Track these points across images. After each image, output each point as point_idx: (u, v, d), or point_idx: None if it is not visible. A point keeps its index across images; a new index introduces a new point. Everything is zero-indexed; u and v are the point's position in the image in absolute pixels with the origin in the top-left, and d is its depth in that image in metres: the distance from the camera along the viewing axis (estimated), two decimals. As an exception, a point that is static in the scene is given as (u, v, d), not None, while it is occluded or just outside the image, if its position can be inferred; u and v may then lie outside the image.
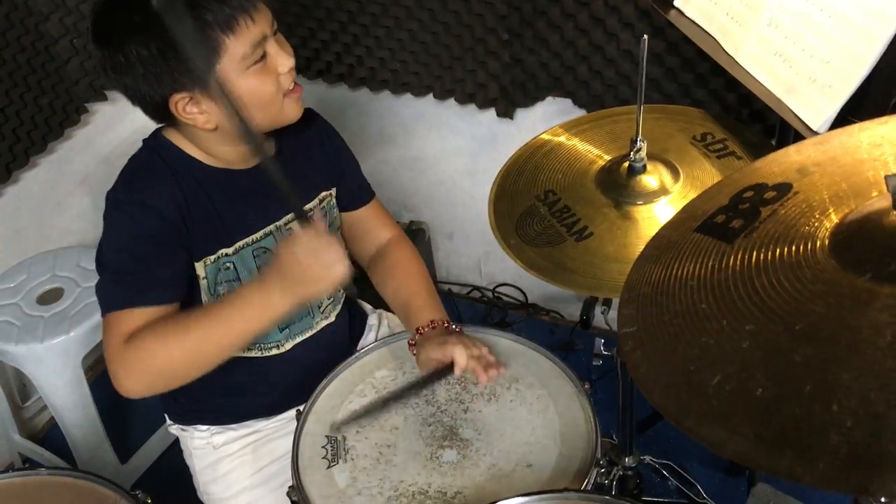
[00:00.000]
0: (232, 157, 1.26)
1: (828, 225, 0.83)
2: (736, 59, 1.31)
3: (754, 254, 0.83)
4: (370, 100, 2.24)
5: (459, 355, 1.20)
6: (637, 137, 1.26)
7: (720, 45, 1.35)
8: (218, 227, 1.24)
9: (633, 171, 1.29)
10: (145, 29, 1.08)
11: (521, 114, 2.04)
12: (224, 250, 1.25)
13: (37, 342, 1.80)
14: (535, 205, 1.33)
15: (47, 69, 1.98)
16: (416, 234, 2.40)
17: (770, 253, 0.82)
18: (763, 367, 0.72)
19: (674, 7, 1.46)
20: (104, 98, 2.16)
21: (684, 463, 1.85)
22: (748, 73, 1.28)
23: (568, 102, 1.94)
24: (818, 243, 0.81)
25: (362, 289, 1.49)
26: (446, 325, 1.30)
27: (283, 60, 1.16)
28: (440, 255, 2.56)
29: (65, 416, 1.93)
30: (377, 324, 1.57)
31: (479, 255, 2.50)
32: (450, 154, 2.29)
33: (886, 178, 0.74)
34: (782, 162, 0.97)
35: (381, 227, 1.48)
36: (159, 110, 1.17)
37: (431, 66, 2.04)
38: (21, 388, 2.21)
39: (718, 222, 0.92)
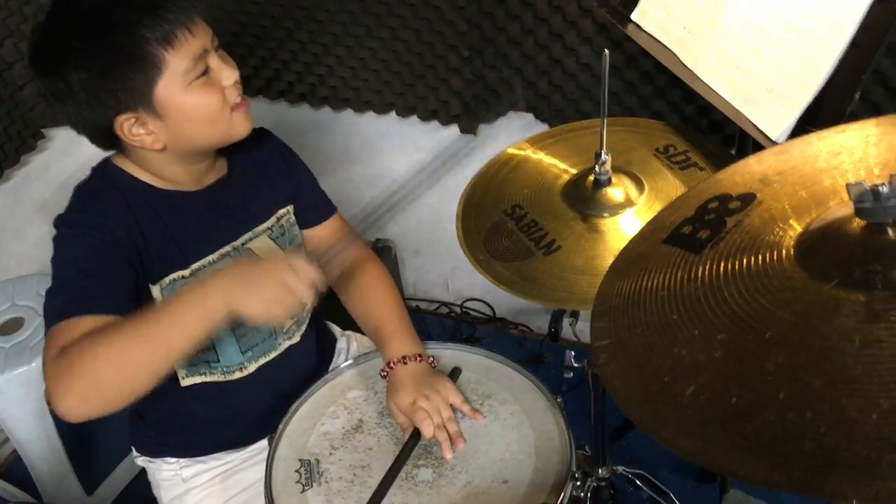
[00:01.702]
0: (183, 179, 1.24)
1: (791, 234, 0.84)
2: (694, 71, 1.33)
3: (722, 264, 0.84)
4: (333, 119, 2.24)
5: (426, 427, 1.19)
6: (601, 150, 1.28)
7: (678, 58, 1.37)
8: (173, 250, 1.22)
9: (599, 184, 1.30)
10: (83, 52, 1.06)
11: (484, 129, 2.06)
12: (181, 272, 1.22)
13: (-3, 374, 1.76)
14: (502, 220, 1.34)
15: (2, 95, 1.95)
16: (383, 252, 2.39)
17: (737, 263, 0.83)
18: (736, 375, 0.73)
19: (631, 21, 1.48)
20: (61, 123, 2.12)
21: (656, 472, 1.85)
22: (707, 85, 1.30)
23: (530, 117, 1.96)
24: (784, 252, 0.82)
25: (331, 309, 1.48)
26: (419, 359, 1.29)
27: (226, 73, 1.15)
28: (407, 272, 2.55)
29: (28, 448, 1.89)
30: (346, 347, 1.55)
31: (446, 270, 2.51)
32: (414, 171, 2.30)
33: (848, 186, 0.75)
34: (744, 172, 0.99)
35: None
36: (106, 136, 1.15)
37: (393, 83, 2.05)
38: (-19, 422, 2.15)
39: (686, 233, 0.93)
